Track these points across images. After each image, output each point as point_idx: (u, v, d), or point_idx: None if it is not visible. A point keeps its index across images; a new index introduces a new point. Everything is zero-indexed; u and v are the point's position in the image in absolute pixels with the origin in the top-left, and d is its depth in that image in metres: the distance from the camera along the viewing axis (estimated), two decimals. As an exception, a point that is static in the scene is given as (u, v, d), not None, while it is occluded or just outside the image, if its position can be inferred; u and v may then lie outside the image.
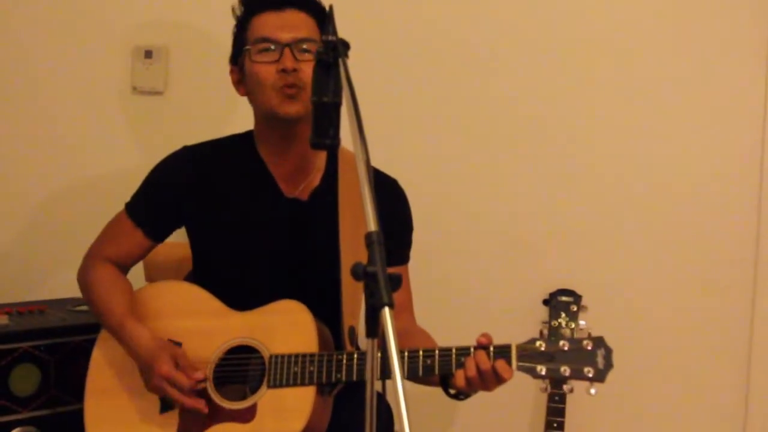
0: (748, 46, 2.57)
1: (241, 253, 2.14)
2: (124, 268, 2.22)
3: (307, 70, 2.01)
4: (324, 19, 2.05)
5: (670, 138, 2.62)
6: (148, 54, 2.78)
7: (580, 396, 1.85)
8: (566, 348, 1.83)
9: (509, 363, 1.83)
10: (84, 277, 2.20)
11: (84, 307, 2.43)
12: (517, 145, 2.69)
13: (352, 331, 2.03)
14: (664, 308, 2.63)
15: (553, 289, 1.96)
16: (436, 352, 1.88)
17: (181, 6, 2.77)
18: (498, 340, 1.87)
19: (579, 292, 1.95)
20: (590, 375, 1.82)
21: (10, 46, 2.85)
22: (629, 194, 2.64)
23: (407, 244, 2.22)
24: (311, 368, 1.94)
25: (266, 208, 2.14)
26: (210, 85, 2.68)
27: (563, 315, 1.92)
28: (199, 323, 2.07)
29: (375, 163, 1.55)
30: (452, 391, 1.93)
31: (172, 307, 2.12)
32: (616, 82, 2.63)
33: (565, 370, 1.82)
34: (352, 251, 2.01)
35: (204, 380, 2.01)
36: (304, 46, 2.05)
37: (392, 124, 2.68)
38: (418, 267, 2.23)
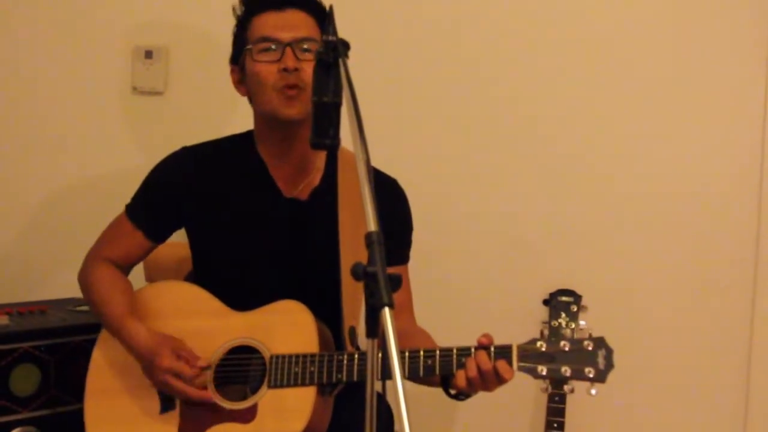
0: (748, 46, 2.57)
1: (240, 253, 2.14)
2: (125, 269, 2.22)
3: (308, 70, 2.00)
4: (324, 18, 2.06)
5: (670, 138, 2.62)
6: (149, 54, 2.78)
7: (581, 396, 1.85)
8: (567, 348, 1.83)
9: (510, 363, 1.83)
10: (85, 278, 2.21)
11: (84, 308, 2.43)
12: (517, 145, 2.69)
13: (353, 332, 2.03)
14: (664, 308, 2.63)
15: (553, 289, 1.96)
16: (437, 352, 1.88)
17: (182, 6, 2.77)
18: (498, 340, 1.87)
19: (579, 292, 1.95)
20: (591, 375, 1.82)
21: (10, 46, 2.85)
22: (629, 194, 2.64)
23: (407, 244, 2.22)
24: (312, 368, 1.94)
25: (266, 208, 2.14)
26: (210, 85, 2.68)
27: (563, 315, 1.92)
28: (200, 323, 2.07)
29: (375, 163, 1.55)
30: (453, 392, 1.93)
31: (172, 308, 2.12)
32: (616, 83, 2.63)
33: (566, 370, 1.82)
34: (352, 251, 2.01)
35: (208, 367, 2.00)
36: (305, 46, 2.05)
37: (392, 124, 2.68)
38: (418, 267, 2.23)
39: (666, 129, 2.62)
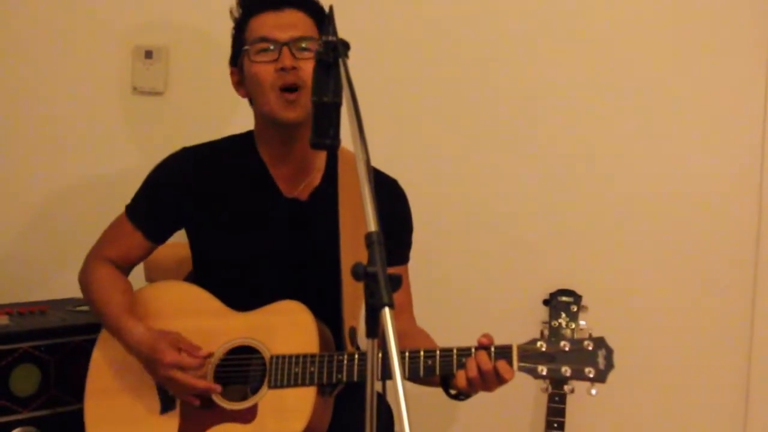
0: (748, 46, 2.57)
1: (241, 253, 2.14)
2: (125, 269, 2.22)
3: (306, 69, 2.01)
4: (322, 18, 2.06)
5: (671, 138, 2.62)
6: (149, 54, 2.78)
7: (581, 396, 1.85)
8: (567, 348, 1.83)
9: (510, 363, 1.83)
10: (85, 278, 2.21)
11: (84, 308, 2.43)
12: (517, 145, 2.69)
13: (353, 332, 2.03)
14: (664, 308, 2.63)
15: (553, 289, 1.96)
16: (438, 352, 1.88)
17: (182, 6, 2.77)
18: (498, 340, 1.87)
19: (579, 292, 1.96)
20: (591, 375, 1.82)
21: (10, 46, 2.85)
22: (629, 194, 2.64)
23: (407, 244, 2.22)
24: (312, 369, 1.94)
25: (266, 208, 2.14)
26: (210, 85, 2.68)
27: (563, 315, 1.92)
28: (200, 323, 2.07)
29: (375, 163, 1.55)
30: (453, 392, 1.93)
31: (172, 308, 2.13)
32: (616, 83, 2.63)
33: (566, 370, 1.82)
34: (352, 251, 2.01)
35: (210, 355, 2.00)
36: (303, 45, 2.05)
37: (392, 124, 2.67)
38: (418, 267, 2.23)
39: (666, 129, 2.62)
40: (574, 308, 1.93)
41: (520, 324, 2.00)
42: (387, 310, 1.34)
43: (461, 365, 1.85)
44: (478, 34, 2.68)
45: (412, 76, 2.71)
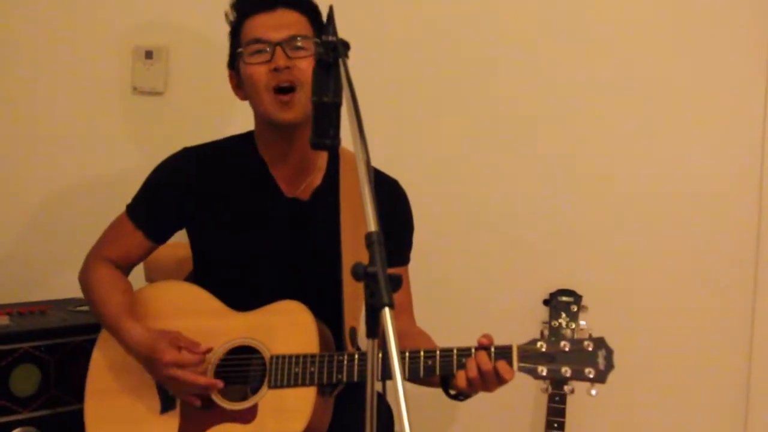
0: (748, 46, 2.57)
1: (241, 253, 2.14)
2: (125, 269, 2.22)
3: (301, 67, 2.02)
4: (317, 15, 2.07)
5: (671, 138, 2.62)
6: (149, 54, 2.78)
7: (581, 396, 1.85)
8: (567, 349, 1.83)
9: (510, 364, 1.83)
10: (85, 278, 2.21)
11: (84, 308, 2.43)
12: (517, 145, 2.69)
13: (353, 332, 2.03)
14: (664, 308, 2.63)
15: (553, 289, 1.96)
16: (438, 352, 1.88)
17: (182, 6, 2.77)
18: (498, 340, 1.87)
19: (579, 292, 1.95)
20: (591, 376, 1.82)
21: (10, 46, 2.85)
22: (629, 194, 2.64)
23: (408, 244, 2.22)
24: (312, 369, 1.94)
25: (267, 208, 2.15)
26: (210, 85, 2.67)
27: (564, 315, 1.92)
28: (200, 323, 2.07)
29: (375, 163, 1.55)
30: (452, 392, 1.93)
31: (172, 308, 2.13)
32: (616, 83, 2.63)
33: (566, 370, 1.82)
34: (353, 252, 2.01)
35: (209, 350, 2.00)
36: (297, 44, 2.05)
37: (392, 124, 2.68)
38: (418, 267, 2.23)
39: (666, 129, 2.62)
40: (575, 308, 1.93)
41: (520, 324, 2.00)
42: (387, 310, 1.34)
43: (461, 365, 1.85)
44: (478, 34, 2.68)
45: (412, 76, 2.71)
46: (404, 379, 1.33)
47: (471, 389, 1.87)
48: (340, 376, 1.93)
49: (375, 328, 1.38)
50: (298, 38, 2.05)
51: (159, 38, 2.80)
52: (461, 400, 1.94)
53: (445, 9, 2.70)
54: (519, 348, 1.84)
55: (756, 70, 2.56)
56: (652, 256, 2.63)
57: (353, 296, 2.01)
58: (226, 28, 2.16)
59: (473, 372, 1.83)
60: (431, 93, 2.71)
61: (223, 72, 2.18)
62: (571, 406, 1.98)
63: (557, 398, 1.96)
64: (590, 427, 2.50)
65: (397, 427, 1.32)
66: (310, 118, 1.65)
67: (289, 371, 1.95)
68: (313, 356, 1.94)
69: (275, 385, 1.96)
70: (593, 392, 1.82)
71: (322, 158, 2.16)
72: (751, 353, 2.57)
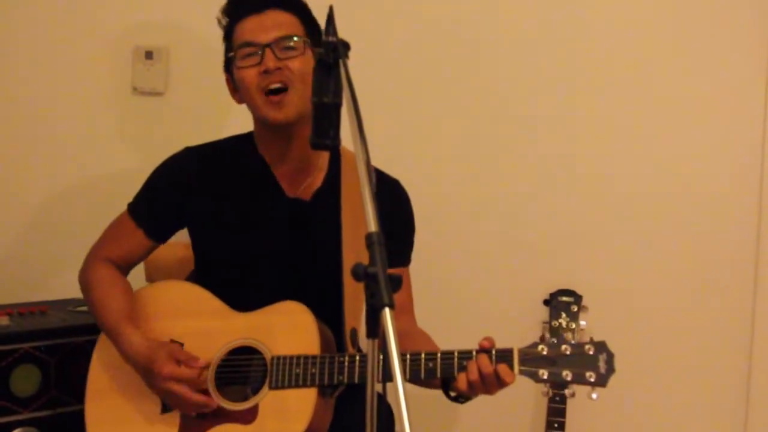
0: (748, 46, 2.57)
1: (242, 253, 2.14)
2: (125, 268, 2.22)
3: (292, 68, 2.02)
4: (307, 14, 2.07)
5: (671, 138, 2.62)
6: (149, 55, 2.78)
7: (582, 397, 1.85)
8: (568, 352, 1.83)
9: (511, 367, 1.83)
10: (84, 278, 2.21)
11: (84, 308, 2.42)
12: (517, 145, 2.69)
13: (354, 333, 2.03)
14: (664, 308, 2.63)
15: (553, 289, 1.96)
16: (439, 355, 1.88)
17: (182, 7, 2.77)
18: (499, 340, 1.87)
19: (579, 292, 1.95)
20: (592, 380, 1.82)
21: (10, 47, 2.85)
22: (629, 194, 2.64)
23: (409, 245, 2.22)
24: (313, 370, 1.94)
25: (267, 208, 2.15)
26: (211, 86, 2.65)
27: (564, 315, 1.92)
28: (201, 324, 2.07)
29: (375, 163, 1.55)
30: (453, 394, 1.93)
31: (173, 308, 2.13)
32: (616, 83, 2.64)
33: (567, 374, 1.82)
34: (354, 252, 2.02)
35: (207, 366, 2.00)
36: (287, 44, 2.05)
37: (392, 124, 2.68)
38: (419, 267, 2.23)
39: (666, 129, 2.63)
40: (575, 308, 1.93)
41: (521, 324, 2.00)
42: (387, 310, 1.34)
43: (462, 368, 1.85)
44: (478, 34, 2.68)
45: (412, 76, 2.71)
46: (405, 380, 1.33)
47: (472, 392, 1.86)
48: (341, 377, 1.92)
49: (375, 329, 1.38)
50: (288, 39, 2.05)
51: (159, 38, 2.80)
52: (462, 402, 1.94)
53: (446, 9, 2.70)
54: (520, 351, 1.84)
55: (756, 70, 2.57)
56: (652, 256, 2.64)
57: (354, 297, 2.02)
58: (224, 30, 2.17)
59: (474, 375, 1.83)
60: (431, 93, 2.71)
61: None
62: (572, 406, 1.97)
63: (557, 398, 1.95)
64: (590, 427, 2.50)
65: (397, 428, 1.32)
66: (309, 118, 1.65)
67: (290, 372, 1.95)
68: (314, 357, 1.95)
69: (276, 386, 1.96)
70: (594, 396, 1.82)
71: (323, 158, 2.16)
72: (751, 353, 2.58)
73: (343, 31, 1.61)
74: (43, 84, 2.85)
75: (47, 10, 2.84)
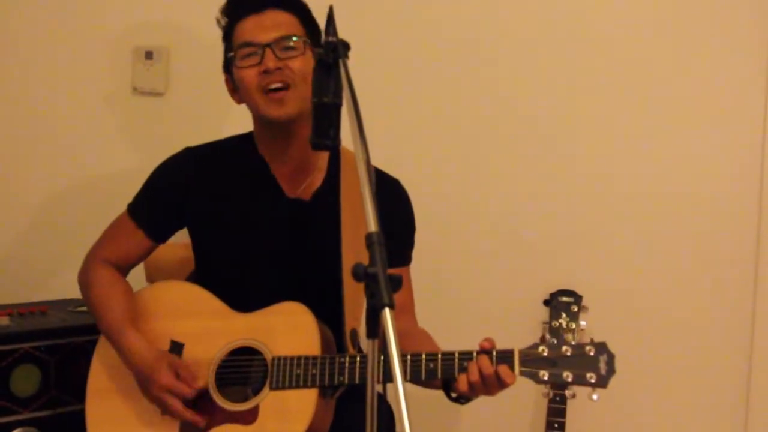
0: (748, 46, 2.57)
1: (242, 253, 2.14)
2: (125, 269, 2.22)
3: (293, 67, 2.02)
4: (307, 14, 2.07)
5: (671, 138, 2.62)
6: (149, 55, 2.78)
7: (582, 398, 1.85)
8: (569, 353, 1.83)
9: (512, 368, 1.83)
10: (84, 278, 2.21)
11: (84, 308, 2.42)
12: (517, 145, 2.69)
13: (354, 334, 2.03)
14: (664, 308, 2.63)
15: (553, 289, 1.96)
16: (439, 356, 1.88)
17: (182, 7, 2.77)
18: (499, 340, 1.87)
19: (579, 292, 1.95)
20: (593, 381, 1.82)
21: (10, 47, 2.85)
22: (630, 194, 2.64)
23: (409, 244, 2.22)
24: (314, 371, 1.94)
25: (267, 208, 2.15)
26: (211, 86, 2.65)
27: (564, 315, 1.92)
28: (202, 324, 2.07)
29: (375, 163, 1.56)
30: (454, 395, 1.93)
31: (174, 308, 2.13)
32: (616, 83, 2.63)
33: (568, 375, 1.82)
34: (354, 252, 2.01)
35: (205, 388, 2.01)
36: (287, 44, 2.05)
37: (392, 124, 2.68)
38: (419, 267, 2.23)
39: (666, 129, 2.62)
40: (575, 308, 1.93)
41: (521, 324, 2.00)
42: (387, 310, 1.34)
43: (463, 369, 1.85)
44: (478, 34, 2.68)
45: (413, 76, 2.71)
46: (405, 380, 1.33)
47: (472, 393, 1.86)
48: (341, 378, 1.92)
49: (375, 329, 1.38)
50: (288, 39, 2.05)
51: (159, 39, 2.80)
52: (463, 403, 1.94)
53: (446, 9, 2.70)
54: (521, 352, 1.84)
55: (756, 70, 2.56)
56: (652, 256, 2.63)
57: (354, 297, 2.01)
58: (225, 30, 2.17)
59: (475, 376, 1.83)
60: (431, 93, 2.71)
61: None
62: (572, 406, 1.97)
63: (557, 398, 1.95)
64: (591, 427, 2.50)
65: (397, 428, 1.32)
66: (308, 117, 1.65)
67: (290, 373, 1.95)
68: (314, 358, 1.95)
69: (277, 387, 1.96)
70: (594, 397, 1.82)
71: (323, 159, 2.16)
72: (751, 353, 2.57)
73: (343, 31, 1.61)
74: (43, 84, 2.85)
75: (47, 10, 2.84)
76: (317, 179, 2.16)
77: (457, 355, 1.87)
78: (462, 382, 1.85)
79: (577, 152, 2.67)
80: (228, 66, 2.13)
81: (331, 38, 1.59)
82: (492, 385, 1.84)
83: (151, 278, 2.36)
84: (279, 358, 1.97)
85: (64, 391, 2.32)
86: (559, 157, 2.67)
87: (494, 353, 1.85)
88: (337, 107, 1.59)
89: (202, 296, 2.11)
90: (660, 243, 2.63)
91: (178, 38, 2.79)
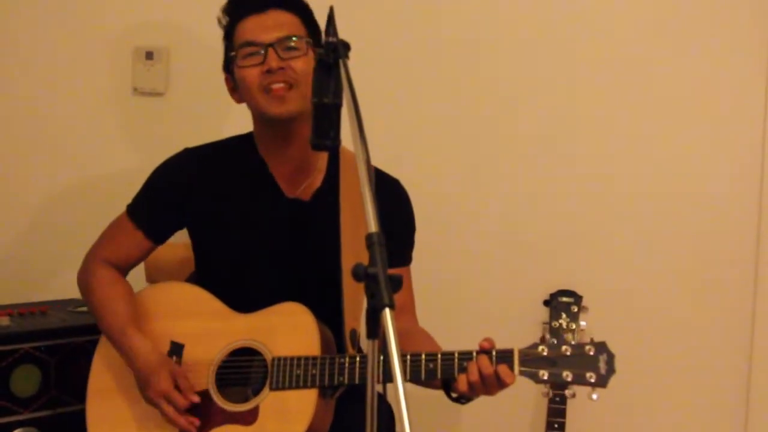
0: (748, 46, 2.57)
1: (242, 253, 2.14)
2: (124, 270, 2.21)
3: (296, 67, 2.02)
4: (309, 15, 2.07)
5: (671, 138, 2.62)
6: (149, 55, 2.78)
7: (582, 398, 1.85)
8: (569, 353, 1.83)
9: (511, 368, 1.83)
10: (84, 279, 2.21)
11: (85, 308, 2.42)
12: (517, 145, 2.69)
13: (354, 334, 2.03)
14: (664, 308, 2.63)
15: (553, 289, 1.96)
16: (439, 356, 1.88)
17: (183, 7, 2.77)
18: (499, 340, 1.87)
19: (579, 292, 1.95)
20: (592, 380, 1.82)
21: (10, 47, 2.85)
22: (630, 194, 2.64)
23: (409, 244, 2.22)
24: (314, 371, 1.94)
25: (267, 208, 2.15)
26: (211, 86, 2.65)
27: (564, 316, 1.92)
28: (202, 325, 2.07)
29: (375, 163, 1.56)
30: (454, 395, 1.93)
31: (174, 309, 2.13)
32: (616, 83, 2.64)
33: (567, 375, 1.82)
34: (353, 252, 2.01)
35: (199, 402, 2.01)
36: (290, 44, 2.05)
37: (392, 125, 2.68)
38: (419, 267, 2.23)
39: (666, 129, 2.63)
40: (575, 309, 1.92)
41: (521, 324, 2.00)
42: (387, 311, 1.34)
43: (462, 369, 1.85)
44: (478, 34, 2.68)
45: (413, 76, 2.71)
46: (405, 380, 1.33)
47: (472, 392, 1.86)
48: (341, 378, 1.92)
49: (375, 329, 1.38)
50: (291, 39, 2.05)
51: (159, 39, 2.80)
52: (463, 403, 1.94)
53: (446, 9, 2.70)
54: (520, 352, 1.84)
55: (756, 70, 2.57)
56: (652, 256, 2.64)
57: (353, 297, 2.02)
58: (225, 30, 2.17)
59: (474, 376, 1.83)
60: (431, 93, 2.71)
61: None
62: (572, 406, 1.97)
63: (557, 399, 1.95)
64: (591, 428, 2.50)
65: (397, 428, 1.32)
66: (308, 117, 1.65)
67: (290, 373, 1.95)
68: (314, 358, 1.95)
69: (276, 387, 1.96)
70: (594, 396, 1.82)
71: (322, 159, 2.16)
72: (751, 353, 2.57)
73: (344, 32, 1.61)
74: (43, 84, 2.85)
75: (47, 11, 2.84)
76: (317, 179, 2.16)
77: (456, 355, 1.87)
78: (462, 382, 1.85)
79: (577, 152, 2.67)
80: (228, 65, 2.13)
81: (331, 38, 1.59)
82: (492, 385, 1.84)
83: (151, 279, 2.36)
84: (279, 359, 1.97)
85: (64, 392, 2.32)
86: (559, 157, 2.67)
87: (494, 353, 1.85)
88: (338, 108, 1.59)
89: (202, 297, 2.11)
90: (660, 243, 2.63)
91: (178, 38, 2.79)
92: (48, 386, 2.30)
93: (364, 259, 1.39)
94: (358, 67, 1.62)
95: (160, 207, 2.18)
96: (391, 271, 1.38)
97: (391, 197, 2.16)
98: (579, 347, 1.84)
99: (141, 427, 2.06)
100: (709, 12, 2.59)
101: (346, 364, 1.93)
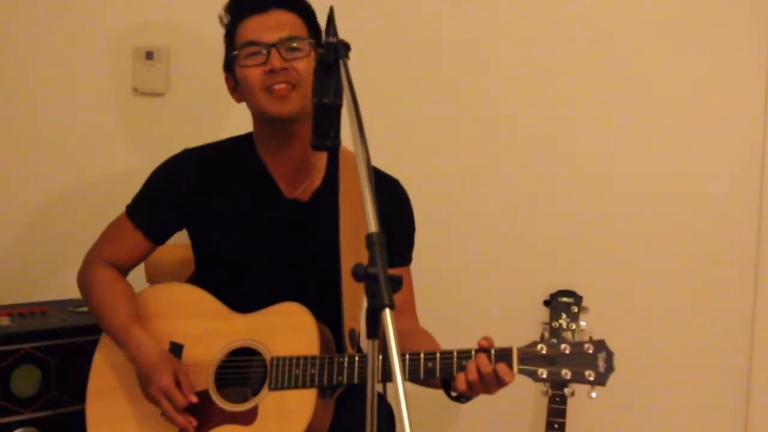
0: (748, 46, 2.58)
1: (241, 254, 2.14)
2: (124, 270, 2.22)
3: (298, 68, 2.02)
4: (311, 15, 2.07)
5: (671, 138, 2.62)
6: (149, 55, 2.78)
7: (581, 397, 1.85)
8: (567, 351, 1.83)
9: (510, 366, 1.83)
10: (84, 279, 2.21)
11: (85, 309, 2.42)
12: (517, 145, 2.69)
13: (353, 334, 2.03)
14: (664, 308, 2.63)
15: (553, 289, 1.96)
16: (438, 355, 1.88)
17: (183, 7, 2.77)
18: (499, 340, 1.87)
19: (580, 292, 1.95)
20: (591, 378, 1.82)
21: (10, 47, 2.85)
22: (630, 194, 2.64)
23: (409, 244, 2.22)
24: (313, 371, 1.94)
25: (266, 209, 2.15)
26: (211, 86, 2.66)
27: (564, 316, 1.92)
28: (201, 325, 2.08)
29: (375, 163, 1.56)
30: (454, 394, 1.93)
31: (174, 309, 2.13)
32: (616, 82, 2.64)
33: (566, 373, 1.82)
34: (353, 252, 2.01)
35: (198, 402, 2.01)
36: (292, 45, 2.05)
37: (392, 125, 2.68)
38: (419, 267, 2.23)
39: (666, 129, 2.63)
40: (575, 309, 1.93)
41: (521, 324, 2.00)
42: (387, 311, 1.34)
43: (461, 368, 1.85)
44: (478, 34, 2.69)
45: (413, 76, 2.71)
46: (405, 380, 1.33)
47: (471, 391, 1.86)
48: (340, 378, 1.93)
49: (375, 329, 1.38)
50: (293, 39, 2.05)
51: (159, 39, 2.80)
52: (463, 402, 1.94)
53: (446, 9, 2.70)
54: (519, 350, 1.84)
55: (756, 70, 2.57)
56: (652, 256, 2.64)
57: (353, 297, 2.02)
58: (225, 30, 2.17)
59: (473, 374, 1.83)
60: (431, 93, 2.71)
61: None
62: (572, 406, 1.98)
63: (557, 399, 1.95)
64: (591, 428, 2.50)
65: (397, 428, 1.32)
66: (308, 118, 1.65)
67: (289, 373, 1.95)
68: (313, 358, 1.95)
69: (276, 387, 1.96)
70: (593, 395, 1.82)
71: (322, 159, 2.16)
72: (751, 353, 2.58)
73: (344, 32, 1.61)
74: (43, 84, 2.85)
75: (47, 11, 2.83)
76: (316, 180, 2.16)
77: (455, 353, 1.87)
78: (461, 381, 1.85)
79: (577, 152, 2.67)
80: (229, 64, 2.13)
81: (331, 39, 1.59)
82: (491, 383, 1.84)
83: (152, 279, 2.37)
84: (278, 359, 1.97)
85: (64, 392, 2.32)
86: (559, 157, 2.67)
87: (492, 351, 1.85)
88: (338, 108, 1.59)
89: (201, 297, 2.11)
90: (660, 243, 2.63)
91: (178, 38, 2.79)
92: (48, 386, 2.30)
93: (364, 259, 1.39)
94: (358, 67, 1.62)
95: (159, 207, 2.18)
96: (391, 271, 1.38)
97: (391, 197, 2.16)
98: (578, 345, 1.84)
99: (141, 428, 2.06)
100: (709, 12, 2.60)
101: (345, 364, 1.93)
